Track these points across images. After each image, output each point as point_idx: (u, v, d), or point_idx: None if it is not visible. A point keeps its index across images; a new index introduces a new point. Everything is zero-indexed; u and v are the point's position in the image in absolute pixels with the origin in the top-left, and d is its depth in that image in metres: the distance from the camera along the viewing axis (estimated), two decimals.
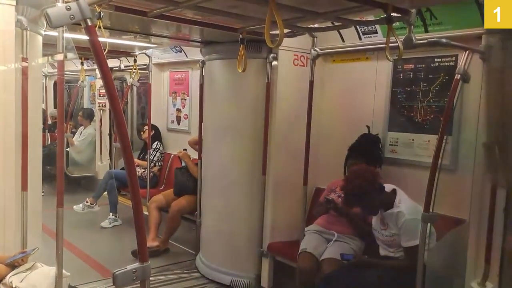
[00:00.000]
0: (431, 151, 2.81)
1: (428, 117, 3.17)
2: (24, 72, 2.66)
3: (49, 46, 3.17)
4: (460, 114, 2.92)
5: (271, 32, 1.84)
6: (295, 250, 3.24)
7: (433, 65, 3.13)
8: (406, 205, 2.68)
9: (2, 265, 2.48)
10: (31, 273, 2.45)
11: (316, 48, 3.33)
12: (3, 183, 2.63)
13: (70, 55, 2.26)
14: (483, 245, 2.58)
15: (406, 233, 2.62)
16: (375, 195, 2.69)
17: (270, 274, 3.68)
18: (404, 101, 3.31)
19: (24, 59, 2.66)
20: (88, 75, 7.15)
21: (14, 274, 2.45)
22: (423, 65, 3.18)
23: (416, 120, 3.23)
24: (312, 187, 3.75)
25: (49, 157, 4.27)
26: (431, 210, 2.45)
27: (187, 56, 5.34)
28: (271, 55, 3.54)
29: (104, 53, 1.40)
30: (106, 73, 1.37)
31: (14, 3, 2.56)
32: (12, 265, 2.49)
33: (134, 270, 1.45)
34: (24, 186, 2.68)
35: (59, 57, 2.25)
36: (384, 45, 2.28)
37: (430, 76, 3.15)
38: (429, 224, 2.49)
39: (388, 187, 2.78)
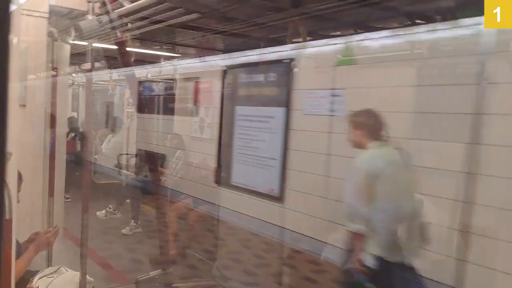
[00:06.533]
0: None
1: None
2: (54, 81, 2.74)
3: (79, 55, 3.24)
4: None
5: (293, 40, 1.85)
6: None
7: None
8: None
9: (21, 262, 2.46)
10: (56, 278, 2.48)
11: (338, 56, 3.30)
12: (31, 190, 2.70)
13: (99, 65, 2.31)
14: None
15: None
16: None
17: None
18: None
19: (54, 69, 2.74)
20: (119, 85, 7.29)
21: (40, 278, 2.49)
22: None
23: None
24: None
25: (77, 164, 4.34)
26: None
27: (211, 66, 5.37)
28: (293, 62, 3.54)
29: (131, 62, 1.43)
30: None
31: (47, 15, 2.64)
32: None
33: (157, 277, 1.46)
34: (51, 192, 2.74)
35: (87, 66, 2.30)
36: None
37: None
38: None
39: None
